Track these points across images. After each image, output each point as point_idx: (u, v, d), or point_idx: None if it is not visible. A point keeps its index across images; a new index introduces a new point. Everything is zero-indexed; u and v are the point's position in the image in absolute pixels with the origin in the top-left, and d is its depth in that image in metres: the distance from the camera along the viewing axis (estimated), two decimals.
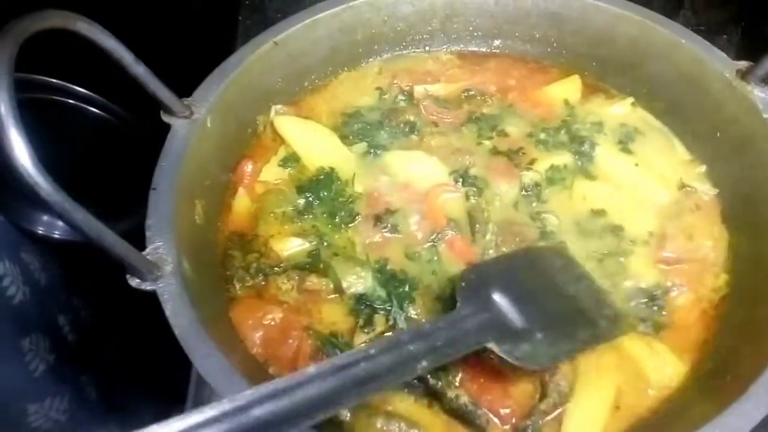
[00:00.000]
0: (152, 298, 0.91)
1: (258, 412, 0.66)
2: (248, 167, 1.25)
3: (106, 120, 1.87)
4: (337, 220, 1.19)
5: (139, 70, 1.04)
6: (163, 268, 0.93)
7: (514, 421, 0.97)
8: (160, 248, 0.95)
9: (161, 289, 0.91)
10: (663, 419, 0.95)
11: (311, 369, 0.72)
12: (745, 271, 1.10)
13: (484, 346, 0.88)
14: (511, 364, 0.89)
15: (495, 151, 1.29)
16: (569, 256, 1.10)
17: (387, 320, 1.06)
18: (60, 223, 1.88)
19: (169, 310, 0.89)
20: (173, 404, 1.18)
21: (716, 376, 0.97)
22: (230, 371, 0.86)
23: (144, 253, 0.93)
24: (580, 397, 0.98)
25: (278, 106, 1.34)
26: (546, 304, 0.97)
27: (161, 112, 1.11)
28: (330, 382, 0.72)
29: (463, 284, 0.93)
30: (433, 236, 1.16)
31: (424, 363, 0.80)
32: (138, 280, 0.91)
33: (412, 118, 1.34)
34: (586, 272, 1.07)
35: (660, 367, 1.02)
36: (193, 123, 1.11)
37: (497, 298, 0.91)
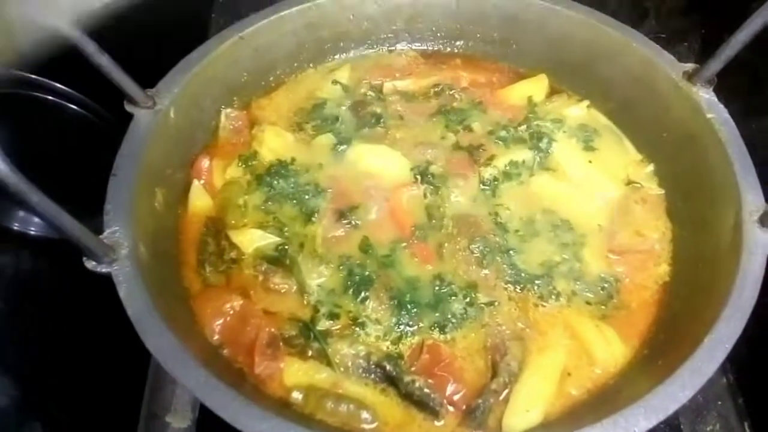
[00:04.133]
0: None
1: None
2: (205, 163, 1.27)
3: (86, 118, 1.87)
4: (298, 212, 1.21)
5: (102, 59, 1.07)
6: (119, 251, 0.95)
7: (465, 404, 1.00)
8: (117, 232, 0.97)
9: (116, 272, 0.93)
10: (598, 400, 0.99)
11: None
12: (686, 263, 1.15)
13: None
14: None
15: (457, 146, 1.33)
16: None
17: (348, 314, 1.09)
18: (36, 219, 1.87)
19: (123, 292, 0.92)
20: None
21: (650, 361, 1.01)
22: (182, 351, 0.88)
23: (101, 237, 0.96)
24: (528, 375, 1.02)
25: (228, 110, 1.34)
26: None
27: (125, 102, 1.13)
28: None
29: None
30: (399, 243, 1.17)
31: None
32: (93, 263, 0.93)
33: (378, 110, 1.38)
34: None
35: (608, 349, 1.06)
36: (156, 113, 1.14)
37: None
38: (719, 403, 1.21)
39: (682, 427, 1.19)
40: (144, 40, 1.65)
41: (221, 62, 1.28)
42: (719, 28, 1.77)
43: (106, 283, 0.94)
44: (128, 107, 1.14)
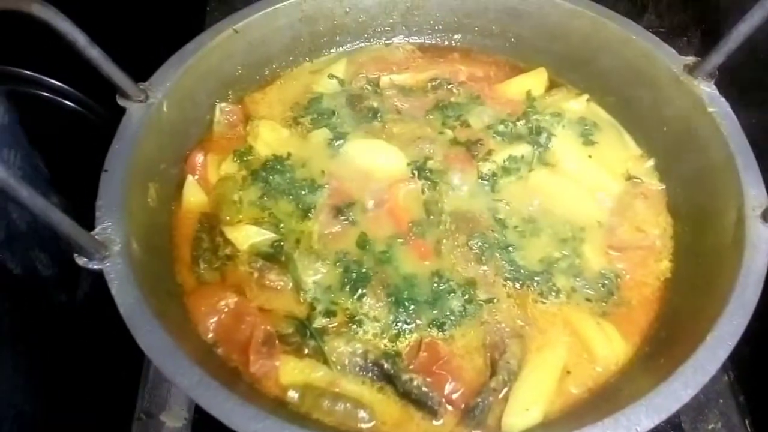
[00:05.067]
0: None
1: None
2: (200, 158, 1.25)
3: (83, 114, 1.86)
4: (294, 208, 1.20)
5: (93, 53, 1.05)
6: (111, 248, 0.93)
7: (464, 403, 0.99)
8: (108, 228, 0.95)
9: (108, 269, 0.91)
10: (599, 399, 0.98)
11: None
12: (687, 259, 1.14)
13: None
14: None
15: (454, 142, 1.31)
16: None
17: (345, 311, 1.07)
18: None
19: (114, 289, 0.90)
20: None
21: (653, 359, 1.00)
22: (175, 349, 0.87)
23: (92, 233, 0.94)
24: (528, 373, 1.01)
25: (222, 104, 1.32)
26: None
27: (117, 95, 1.11)
28: None
29: None
30: (396, 239, 1.16)
31: None
32: (85, 260, 0.91)
33: (375, 105, 1.36)
34: None
35: (609, 346, 1.05)
36: (149, 107, 1.12)
37: None
38: (720, 401, 1.21)
39: (683, 425, 1.18)
40: (138, 32, 1.63)
41: (215, 55, 1.26)
42: (719, 22, 1.77)
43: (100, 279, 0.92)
44: (120, 101, 1.12)
